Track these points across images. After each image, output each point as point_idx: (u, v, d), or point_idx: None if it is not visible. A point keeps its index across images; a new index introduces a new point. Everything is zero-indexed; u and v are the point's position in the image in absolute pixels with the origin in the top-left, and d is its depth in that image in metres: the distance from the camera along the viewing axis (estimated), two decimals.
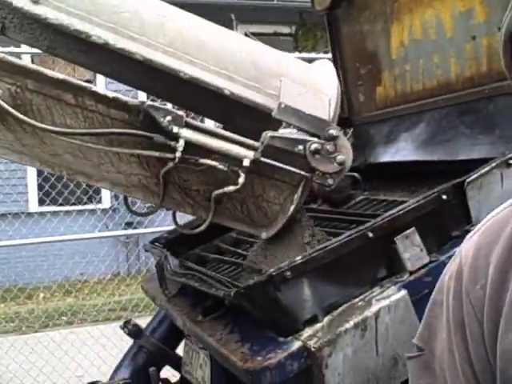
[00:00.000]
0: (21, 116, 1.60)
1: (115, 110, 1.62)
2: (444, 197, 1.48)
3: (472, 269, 0.88)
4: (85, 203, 9.56)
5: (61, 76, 1.59)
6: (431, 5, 2.07)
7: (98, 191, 9.82)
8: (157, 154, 1.66)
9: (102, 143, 1.66)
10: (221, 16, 1.66)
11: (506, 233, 0.86)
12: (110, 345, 4.23)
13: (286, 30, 10.95)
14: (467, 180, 1.51)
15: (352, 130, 2.63)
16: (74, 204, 7.92)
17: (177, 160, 1.64)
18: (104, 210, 9.49)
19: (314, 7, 2.53)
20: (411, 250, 1.50)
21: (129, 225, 9.67)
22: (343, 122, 2.59)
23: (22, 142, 1.70)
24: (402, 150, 2.21)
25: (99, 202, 10.65)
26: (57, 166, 1.76)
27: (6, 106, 1.58)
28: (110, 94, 1.61)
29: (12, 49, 4.00)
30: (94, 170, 1.75)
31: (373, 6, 2.34)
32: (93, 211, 8.87)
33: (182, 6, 1.79)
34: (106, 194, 9.76)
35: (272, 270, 1.42)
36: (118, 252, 9.82)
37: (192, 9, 1.82)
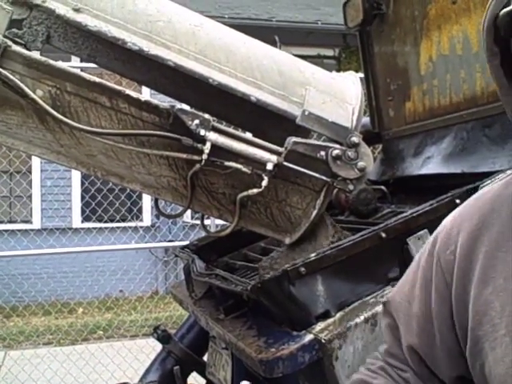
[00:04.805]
0: (60, 116, 1.70)
1: (147, 113, 1.72)
2: (457, 201, 1.52)
3: (446, 236, 0.97)
4: (129, 220, 9.80)
5: (97, 79, 1.69)
6: (459, 21, 2.12)
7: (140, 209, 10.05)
8: (184, 155, 1.74)
9: (134, 144, 1.75)
10: (264, 37, 1.74)
11: (479, 206, 0.95)
12: (143, 357, 4.33)
13: (329, 52, 11.03)
14: (481, 185, 1.54)
15: (382, 145, 2.67)
16: (114, 221, 8.15)
17: (203, 162, 1.71)
18: (146, 228, 9.69)
19: (346, 24, 2.60)
20: None
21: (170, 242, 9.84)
22: (373, 137, 2.65)
23: (60, 143, 1.80)
24: (428, 164, 2.24)
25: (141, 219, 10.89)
26: (92, 166, 1.86)
27: (46, 106, 1.69)
28: (142, 98, 1.71)
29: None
30: (126, 171, 1.84)
31: (403, 23, 2.40)
32: (135, 229, 9.08)
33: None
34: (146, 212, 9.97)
35: (287, 265, 1.48)
36: (158, 271, 9.97)
37: (236, 29, 1.91)
